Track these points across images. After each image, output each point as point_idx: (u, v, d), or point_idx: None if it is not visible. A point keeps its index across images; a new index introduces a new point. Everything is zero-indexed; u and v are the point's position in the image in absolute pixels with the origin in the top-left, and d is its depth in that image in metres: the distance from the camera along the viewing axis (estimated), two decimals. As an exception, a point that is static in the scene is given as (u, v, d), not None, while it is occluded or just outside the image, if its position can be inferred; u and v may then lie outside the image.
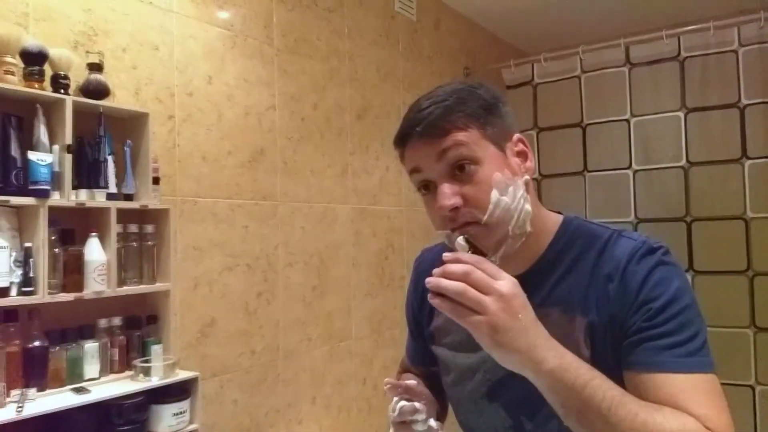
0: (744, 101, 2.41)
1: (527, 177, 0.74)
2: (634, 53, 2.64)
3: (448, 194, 0.71)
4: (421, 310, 0.92)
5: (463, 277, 0.61)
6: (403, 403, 0.77)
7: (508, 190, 0.71)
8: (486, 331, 0.60)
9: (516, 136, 0.76)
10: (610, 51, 2.68)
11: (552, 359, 0.61)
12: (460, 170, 0.71)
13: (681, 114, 2.54)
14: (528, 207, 0.72)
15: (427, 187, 0.75)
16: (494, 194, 0.70)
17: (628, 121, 2.65)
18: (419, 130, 0.72)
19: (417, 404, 0.76)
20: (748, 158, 2.40)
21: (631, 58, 2.64)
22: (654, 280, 0.69)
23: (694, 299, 0.69)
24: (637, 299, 0.68)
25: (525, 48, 3.63)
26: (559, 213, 0.81)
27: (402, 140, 0.76)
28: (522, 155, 0.76)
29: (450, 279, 0.61)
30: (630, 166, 2.65)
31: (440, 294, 0.62)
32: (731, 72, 2.42)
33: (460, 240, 0.69)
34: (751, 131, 2.39)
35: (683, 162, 2.52)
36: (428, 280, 0.63)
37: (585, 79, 2.76)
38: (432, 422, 0.77)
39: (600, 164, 2.72)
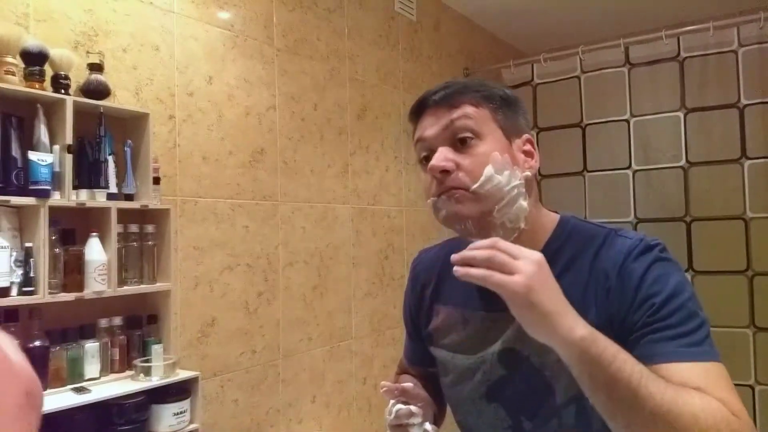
0: (743, 101, 2.41)
1: (528, 173, 0.75)
2: (634, 53, 2.64)
3: (442, 157, 0.73)
4: (419, 311, 0.92)
5: (491, 245, 0.62)
6: (399, 406, 0.77)
7: (504, 171, 0.72)
8: (521, 289, 0.59)
9: (526, 135, 0.79)
10: (609, 51, 2.68)
11: (582, 327, 0.60)
12: (462, 143, 0.73)
13: (680, 114, 2.54)
14: (523, 203, 0.73)
15: (428, 158, 0.76)
16: (489, 168, 0.71)
17: (627, 121, 2.66)
18: (435, 99, 0.75)
19: (413, 407, 0.76)
20: (748, 158, 2.40)
21: (630, 58, 2.64)
22: (653, 277, 0.69)
23: (694, 293, 0.69)
24: (638, 296, 0.68)
25: (525, 48, 3.63)
26: (555, 212, 0.81)
27: (417, 110, 0.78)
28: (528, 154, 0.77)
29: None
30: (629, 166, 2.65)
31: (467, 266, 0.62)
32: (731, 72, 2.42)
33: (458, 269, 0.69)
34: (751, 131, 2.39)
35: (683, 162, 2.53)
36: (454, 256, 0.63)
37: (585, 79, 2.76)
38: (428, 426, 0.77)
39: (599, 164, 2.72)
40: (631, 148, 2.64)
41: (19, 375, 0.21)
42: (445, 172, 0.72)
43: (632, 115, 2.65)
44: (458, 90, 0.75)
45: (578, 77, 2.77)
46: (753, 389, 2.33)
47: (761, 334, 2.34)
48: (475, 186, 0.71)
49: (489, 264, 0.60)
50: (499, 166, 0.72)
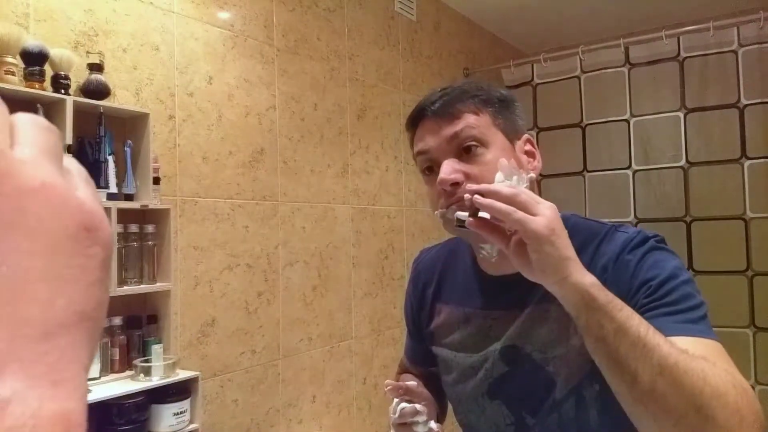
0: (743, 101, 2.41)
1: (533, 174, 0.76)
2: (634, 53, 2.64)
3: (450, 170, 0.72)
4: (420, 310, 0.92)
5: (514, 189, 0.62)
6: (404, 404, 0.76)
7: (512, 177, 0.72)
8: (544, 229, 0.59)
9: (525, 135, 0.79)
10: (609, 51, 2.68)
11: (591, 276, 0.60)
12: (467, 152, 0.73)
13: (680, 114, 2.54)
14: None
15: (431, 169, 0.76)
16: (499, 176, 0.71)
17: (627, 121, 2.66)
18: (434, 109, 0.75)
19: (418, 406, 0.76)
20: (748, 158, 2.40)
21: (630, 58, 2.64)
22: (649, 263, 0.70)
23: (692, 278, 0.69)
24: (634, 282, 0.69)
25: (525, 48, 3.64)
26: None
27: (414, 120, 0.77)
28: (530, 155, 0.78)
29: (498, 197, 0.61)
30: (629, 166, 2.65)
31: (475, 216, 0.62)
32: (731, 72, 2.43)
33: (459, 213, 0.67)
34: (751, 131, 2.40)
35: (683, 162, 2.53)
36: (472, 186, 0.64)
37: (585, 79, 2.76)
38: (432, 424, 0.77)
39: (599, 164, 2.72)
40: (631, 148, 2.64)
41: (77, 206, 0.19)
42: (456, 184, 0.71)
43: (632, 115, 2.65)
44: (457, 97, 0.74)
45: (578, 77, 2.77)
46: (753, 389, 2.33)
47: (761, 334, 2.34)
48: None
49: (513, 201, 0.60)
50: (507, 172, 0.71)
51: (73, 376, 0.18)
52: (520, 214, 0.59)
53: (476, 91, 0.76)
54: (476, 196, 0.62)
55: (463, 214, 0.66)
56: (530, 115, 2.91)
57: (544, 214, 0.60)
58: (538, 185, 0.83)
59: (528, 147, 0.78)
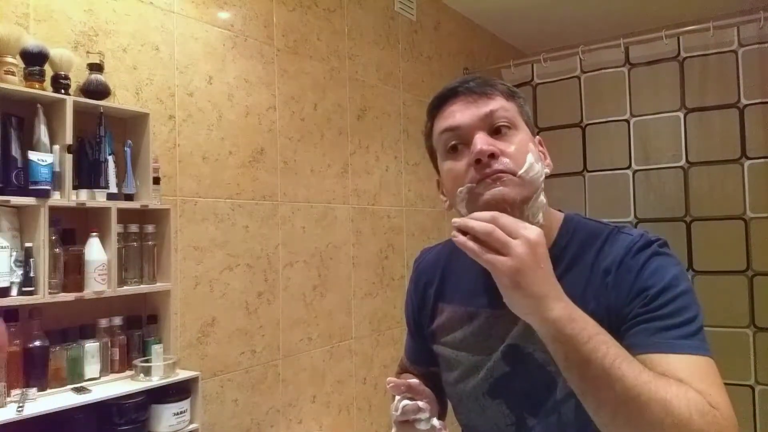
0: (743, 101, 2.41)
1: (547, 170, 0.77)
2: (634, 53, 2.64)
3: (487, 141, 0.72)
4: (422, 309, 0.92)
5: (492, 220, 0.62)
6: (406, 402, 0.76)
7: (539, 162, 0.74)
8: (508, 272, 0.60)
9: (538, 137, 0.80)
10: (609, 51, 2.68)
11: (560, 309, 0.61)
12: (497, 132, 0.73)
13: (680, 114, 2.54)
14: (544, 199, 0.74)
15: (456, 148, 0.75)
16: (531, 156, 0.72)
17: (627, 121, 2.66)
18: (469, 86, 0.75)
19: (420, 403, 0.76)
20: (748, 158, 2.40)
21: (630, 58, 2.64)
22: (650, 269, 0.70)
23: (691, 288, 0.69)
24: (634, 288, 0.69)
25: (524, 48, 3.64)
26: (560, 211, 0.82)
27: (443, 99, 0.77)
28: (542, 155, 0.79)
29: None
30: (629, 166, 2.65)
31: (465, 235, 0.63)
32: (731, 72, 2.43)
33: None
34: (751, 131, 2.39)
35: (683, 162, 2.53)
36: (455, 220, 0.65)
37: (585, 79, 2.76)
38: (435, 421, 0.76)
39: (600, 164, 2.72)
40: (631, 148, 2.64)
41: None
42: (492, 155, 0.71)
43: (632, 115, 2.65)
44: (488, 81, 0.77)
45: (578, 77, 2.77)
46: (753, 389, 2.33)
47: (761, 334, 2.34)
48: (521, 171, 0.71)
49: (486, 239, 0.61)
50: (536, 157, 0.73)
51: None
52: (488, 256, 0.61)
53: (504, 84, 0.78)
54: (453, 233, 0.64)
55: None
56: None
57: (515, 254, 0.60)
58: None
59: (541, 148, 0.79)
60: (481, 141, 0.71)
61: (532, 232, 0.62)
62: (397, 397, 0.76)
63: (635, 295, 0.68)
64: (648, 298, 0.67)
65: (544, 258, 0.62)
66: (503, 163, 0.71)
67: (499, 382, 0.79)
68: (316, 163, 2.18)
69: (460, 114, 0.75)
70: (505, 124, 0.73)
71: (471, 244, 0.62)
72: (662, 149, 2.58)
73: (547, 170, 0.76)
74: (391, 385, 0.77)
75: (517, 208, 0.70)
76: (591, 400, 0.60)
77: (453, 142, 0.75)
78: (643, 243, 0.72)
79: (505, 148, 0.72)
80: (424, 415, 0.75)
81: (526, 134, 0.75)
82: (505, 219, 0.62)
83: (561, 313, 0.61)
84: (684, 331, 0.65)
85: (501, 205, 0.69)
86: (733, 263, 2.40)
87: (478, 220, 0.63)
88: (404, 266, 2.59)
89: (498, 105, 0.74)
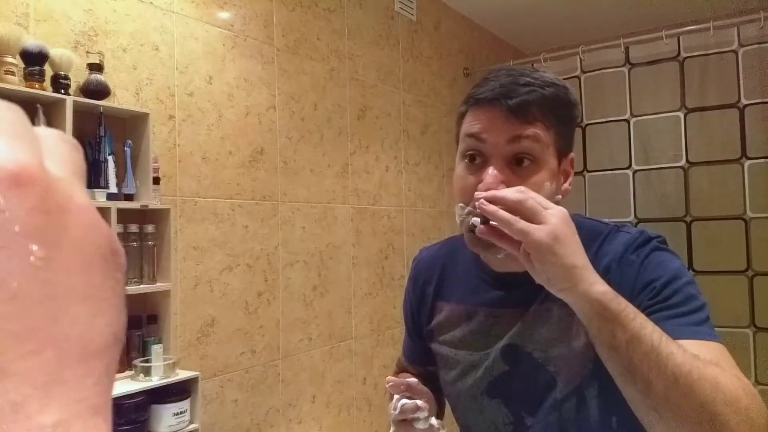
0: (744, 101, 2.41)
1: (560, 197, 0.75)
2: (634, 53, 2.64)
3: (497, 177, 0.68)
4: (420, 308, 0.92)
5: (521, 194, 0.60)
6: (404, 401, 0.75)
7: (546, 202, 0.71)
8: (546, 238, 0.57)
9: (571, 155, 0.76)
10: (609, 51, 2.68)
11: (602, 283, 0.59)
12: (519, 163, 0.70)
13: (681, 114, 2.54)
14: None
15: (473, 158, 0.72)
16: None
17: (627, 121, 2.66)
18: (509, 103, 0.68)
19: (419, 402, 0.75)
20: (748, 158, 2.40)
21: (630, 58, 2.64)
22: (652, 264, 0.69)
23: (694, 279, 0.69)
24: (638, 282, 0.68)
25: (524, 48, 3.64)
26: None
27: (481, 101, 0.70)
28: (566, 174, 0.76)
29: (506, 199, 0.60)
30: (630, 166, 2.65)
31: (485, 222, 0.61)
32: (731, 72, 2.43)
33: (473, 219, 0.66)
34: (751, 131, 2.39)
35: (683, 162, 2.53)
36: (479, 193, 0.62)
37: (585, 79, 2.76)
38: (433, 420, 0.76)
39: (599, 164, 2.72)
40: (631, 148, 2.64)
41: (106, 230, 0.18)
42: None
43: (632, 115, 2.65)
44: (535, 100, 0.68)
45: (578, 77, 2.77)
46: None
47: (761, 334, 2.34)
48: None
49: (518, 208, 0.59)
50: (547, 196, 0.69)
51: (107, 402, 0.17)
52: (522, 224, 0.58)
53: (554, 103, 0.70)
54: (481, 202, 0.61)
55: (476, 220, 0.64)
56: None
57: (549, 222, 0.58)
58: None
59: (568, 168, 0.76)
60: (492, 176, 0.67)
61: (559, 208, 0.61)
62: (396, 396, 0.76)
63: (641, 289, 0.68)
64: (655, 290, 0.67)
65: (575, 231, 0.61)
66: (477, 195, 0.69)
67: (498, 381, 0.79)
68: (316, 163, 2.18)
69: (489, 126, 0.70)
70: (529, 158, 0.69)
71: (503, 212, 0.59)
72: (662, 149, 2.58)
73: (559, 196, 0.74)
74: (390, 384, 0.77)
75: (504, 254, 0.69)
76: (640, 381, 0.57)
77: (472, 151, 0.72)
78: (643, 239, 0.72)
79: (514, 185, 0.68)
80: (423, 414, 0.75)
81: (546, 172, 0.70)
82: (533, 194, 0.61)
83: (605, 288, 0.59)
84: (694, 318, 0.65)
85: (488, 251, 0.70)
86: (734, 263, 2.40)
87: (508, 196, 0.60)
88: (404, 266, 2.59)
89: (530, 133, 0.68)
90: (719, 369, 0.58)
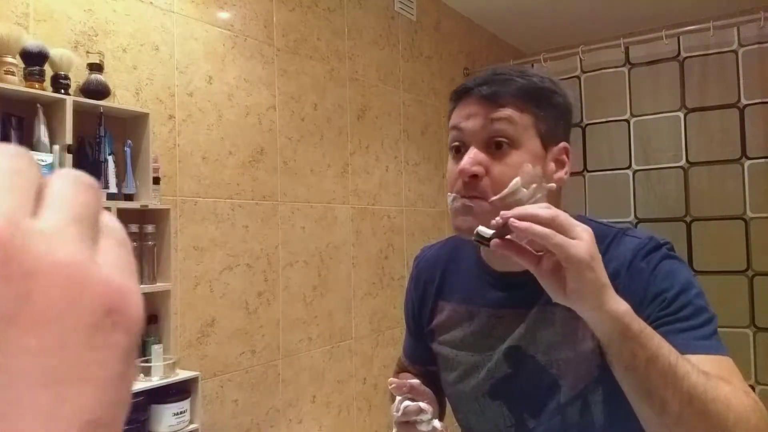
0: (744, 101, 2.41)
1: (553, 185, 0.74)
2: (634, 53, 2.64)
3: (472, 161, 0.71)
4: (422, 307, 0.92)
5: (551, 210, 0.59)
6: (407, 402, 0.75)
7: (531, 185, 0.71)
8: (585, 255, 0.56)
9: (563, 144, 0.76)
10: (609, 51, 2.68)
11: (624, 303, 0.59)
12: (497, 147, 0.71)
13: (680, 114, 2.54)
14: None
15: (459, 150, 0.75)
16: (516, 181, 0.70)
17: (627, 121, 2.66)
18: (480, 91, 0.72)
19: (422, 404, 0.75)
20: (748, 158, 2.40)
21: (630, 58, 2.64)
22: (663, 273, 0.69)
23: (702, 290, 0.69)
24: (648, 292, 0.68)
25: (524, 48, 3.64)
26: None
27: (460, 93, 0.75)
28: (560, 164, 0.76)
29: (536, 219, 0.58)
30: (629, 167, 2.65)
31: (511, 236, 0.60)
32: (731, 72, 2.43)
33: (482, 229, 0.63)
34: (751, 131, 2.39)
35: (683, 162, 2.53)
36: (505, 212, 0.59)
37: (585, 79, 2.76)
38: (436, 423, 0.75)
39: (599, 164, 2.72)
40: (631, 148, 2.64)
41: (100, 285, 0.16)
42: (474, 176, 0.71)
43: (632, 115, 2.65)
44: (507, 86, 0.72)
45: (578, 77, 2.77)
46: (753, 389, 2.33)
47: (761, 334, 2.34)
48: (495, 198, 0.70)
49: (551, 224, 0.57)
50: (528, 179, 0.70)
51: None
52: (560, 237, 0.57)
53: (528, 86, 0.72)
54: (512, 220, 0.59)
55: (486, 231, 0.62)
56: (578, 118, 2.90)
57: (583, 239, 0.57)
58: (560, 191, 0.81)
59: (561, 156, 0.76)
60: (467, 160, 0.70)
61: (586, 227, 0.60)
62: (398, 398, 0.75)
63: (651, 299, 0.68)
64: (666, 301, 0.67)
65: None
66: (480, 186, 0.70)
67: (500, 383, 0.78)
68: (316, 163, 2.18)
69: (466, 117, 0.73)
70: (504, 140, 0.71)
71: (538, 227, 0.57)
72: (662, 149, 2.58)
73: (553, 184, 0.74)
74: (393, 385, 0.76)
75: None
76: (657, 399, 0.57)
77: (455, 144, 0.75)
78: (653, 246, 0.71)
79: (491, 168, 0.71)
80: (426, 417, 0.75)
81: (527, 152, 0.71)
82: (562, 214, 0.59)
83: (626, 307, 0.59)
84: (703, 332, 0.65)
85: (466, 235, 0.69)
86: (733, 263, 2.40)
87: (540, 216, 0.59)
88: (404, 266, 2.59)
89: (502, 115, 0.71)
90: (730, 387, 0.58)
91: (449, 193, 0.74)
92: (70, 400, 0.15)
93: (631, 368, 0.59)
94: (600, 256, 0.59)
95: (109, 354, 0.16)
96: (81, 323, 0.15)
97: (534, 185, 0.71)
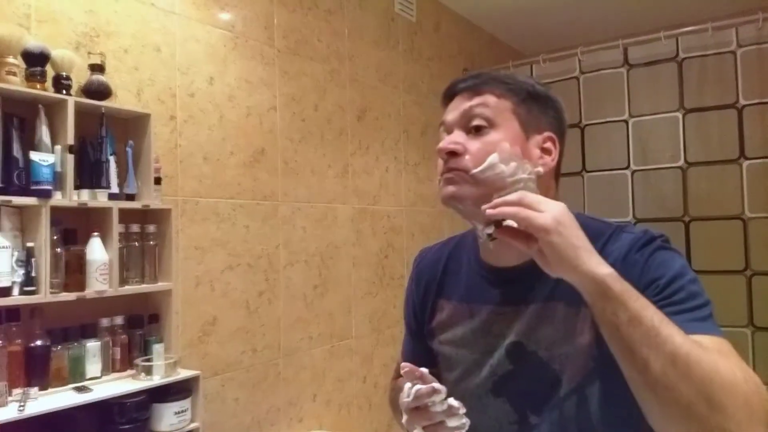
0: (742, 102, 2.41)
1: (540, 170, 0.76)
2: (633, 54, 2.64)
3: (451, 140, 0.76)
4: (422, 306, 0.92)
5: (519, 194, 0.66)
6: (419, 386, 0.71)
7: (510, 162, 0.73)
8: (550, 221, 0.61)
9: (548, 133, 0.79)
10: (608, 52, 2.69)
11: (606, 265, 0.62)
12: (476, 130, 0.76)
13: (679, 114, 2.54)
14: None
15: None
16: (494, 156, 0.73)
17: (626, 121, 2.66)
18: (461, 86, 0.79)
19: (435, 384, 0.71)
20: (746, 158, 2.40)
21: (629, 59, 2.65)
22: (656, 262, 0.71)
23: (697, 277, 0.70)
24: (642, 280, 0.69)
25: (523, 49, 3.64)
26: None
27: (446, 95, 0.82)
28: (546, 152, 0.79)
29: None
30: (628, 167, 2.65)
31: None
32: (729, 73, 2.43)
33: (487, 230, 0.71)
34: (749, 132, 2.40)
35: (681, 162, 2.53)
36: (484, 206, 0.67)
37: (583, 80, 2.76)
38: (452, 401, 0.72)
39: (598, 165, 2.72)
40: (630, 148, 2.65)
41: None
42: (452, 153, 0.75)
43: (631, 116, 2.65)
44: (484, 80, 0.78)
45: (577, 78, 2.78)
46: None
47: (759, 333, 2.35)
48: (475, 171, 0.73)
49: (519, 203, 0.64)
50: (506, 156, 0.73)
51: None
52: (525, 212, 0.63)
53: (507, 79, 0.79)
54: (488, 211, 0.66)
55: (490, 229, 0.70)
56: (570, 116, 2.91)
57: (550, 210, 0.62)
58: (555, 185, 0.84)
59: (547, 144, 0.79)
60: (446, 139, 0.76)
61: (557, 202, 0.65)
62: (408, 384, 0.73)
63: (645, 287, 0.69)
64: (659, 287, 0.68)
65: (576, 222, 0.64)
66: (459, 161, 0.74)
67: (503, 380, 0.79)
68: (317, 164, 2.19)
69: (451, 111, 0.79)
70: (480, 123, 0.76)
71: (506, 207, 0.64)
72: (661, 150, 2.58)
73: (540, 169, 0.76)
74: (406, 369, 0.73)
75: (470, 206, 0.73)
76: (639, 359, 0.58)
77: (443, 137, 0.79)
78: (647, 239, 0.73)
79: (470, 147, 0.75)
80: (440, 397, 0.71)
81: (505, 133, 0.75)
82: (531, 194, 0.66)
83: (609, 270, 0.61)
84: (698, 314, 0.66)
85: (451, 202, 0.75)
86: (732, 263, 2.40)
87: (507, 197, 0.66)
88: (404, 266, 2.60)
89: (479, 101, 0.76)
90: (722, 357, 0.59)
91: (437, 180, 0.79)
92: None
93: (614, 327, 0.60)
94: (573, 222, 0.63)
95: None
96: None
97: (513, 163, 0.73)
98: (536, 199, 0.64)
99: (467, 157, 0.74)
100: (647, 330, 0.58)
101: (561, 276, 0.64)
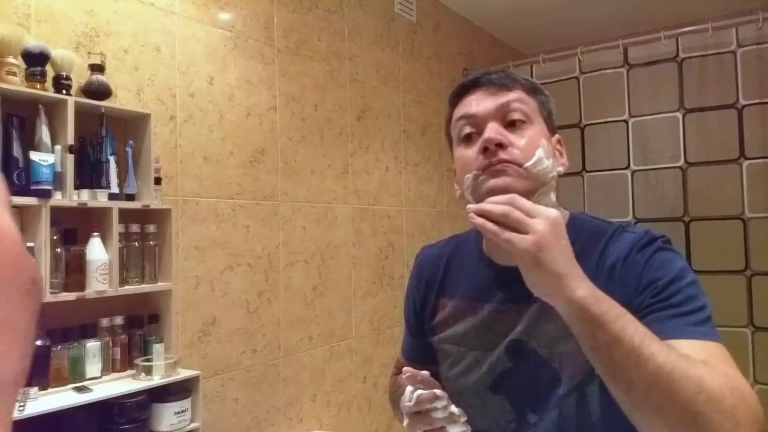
0: (742, 102, 2.42)
1: (561, 169, 0.78)
2: (633, 54, 2.65)
3: (497, 130, 0.74)
4: (423, 304, 0.92)
5: (509, 202, 0.62)
6: (420, 391, 0.71)
7: (550, 158, 0.75)
8: (530, 248, 0.59)
9: (557, 136, 0.81)
10: (608, 52, 2.69)
11: (585, 288, 0.60)
12: (512, 125, 0.75)
13: (679, 114, 2.55)
14: (553, 197, 0.76)
15: (470, 137, 0.77)
16: (540, 150, 0.74)
17: (626, 121, 2.66)
18: (491, 78, 0.77)
19: (437, 391, 0.72)
20: (746, 158, 2.41)
21: (629, 59, 2.65)
22: (657, 263, 0.70)
23: (698, 280, 0.70)
24: (642, 281, 0.69)
25: (523, 49, 3.64)
26: (565, 209, 0.82)
27: (465, 89, 0.79)
28: (559, 153, 0.80)
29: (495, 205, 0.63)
30: (628, 167, 2.66)
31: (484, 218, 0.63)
32: (729, 73, 2.43)
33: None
34: (749, 132, 2.40)
35: (681, 162, 2.53)
36: (470, 206, 0.65)
37: (583, 79, 2.77)
38: (453, 408, 0.72)
39: (598, 165, 2.73)
40: (630, 148, 2.65)
41: (29, 258, 0.19)
42: (500, 145, 0.73)
43: (631, 116, 2.66)
44: (511, 74, 0.78)
45: (577, 78, 2.78)
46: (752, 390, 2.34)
47: (759, 333, 2.35)
48: (528, 164, 0.72)
49: (504, 220, 0.61)
50: (548, 152, 0.75)
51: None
52: (507, 234, 0.60)
53: (527, 79, 0.80)
54: (471, 215, 0.63)
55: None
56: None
57: (535, 231, 0.60)
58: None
59: (558, 146, 0.81)
60: (491, 129, 0.73)
61: (551, 211, 0.62)
62: (409, 388, 0.73)
63: (644, 288, 0.69)
64: (657, 289, 0.68)
65: (563, 235, 0.62)
66: (510, 153, 0.73)
67: (502, 377, 0.79)
68: (317, 164, 2.19)
69: (476, 103, 0.77)
70: (520, 117, 0.75)
71: (489, 224, 0.61)
72: (661, 149, 2.59)
73: (561, 169, 0.78)
74: (407, 374, 0.73)
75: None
76: (621, 381, 0.58)
77: (467, 131, 0.77)
78: (648, 239, 0.73)
79: (515, 140, 0.74)
80: (441, 404, 0.71)
81: (540, 129, 0.76)
82: (522, 201, 0.62)
83: (587, 293, 0.60)
84: (695, 318, 0.66)
85: (501, 192, 0.71)
86: (732, 263, 2.41)
87: (495, 204, 0.63)
88: (404, 266, 2.60)
89: (516, 97, 0.76)
90: (708, 368, 0.58)
91: (466, 176, 0.76)
92: (17, 347, 0.18)
93: (594, 350, 0.60)
94: (560, 241, 0.61)
95: (32, 318, 0.19)
96: (20, 287, 0.18)
97: (552, 159, 0.75)
98: (521, 216, 0.61)
99: (515, 150, 0.73)
100: (628, 351, 0.57)
101: (537, 295, 0.63)
